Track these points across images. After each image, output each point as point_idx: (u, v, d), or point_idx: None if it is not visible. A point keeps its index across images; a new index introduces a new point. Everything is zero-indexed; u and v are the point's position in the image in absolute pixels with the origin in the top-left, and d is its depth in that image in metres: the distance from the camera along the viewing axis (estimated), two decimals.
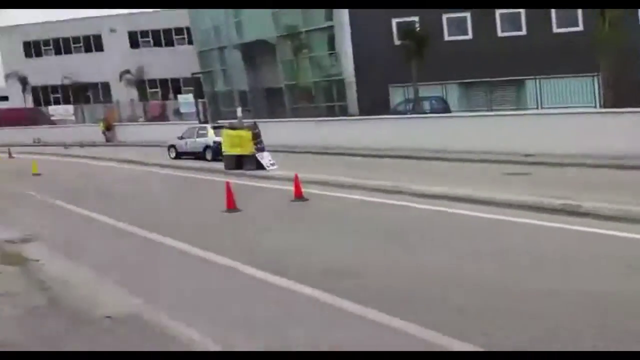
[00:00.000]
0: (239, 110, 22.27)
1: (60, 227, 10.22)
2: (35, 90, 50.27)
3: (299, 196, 11.59)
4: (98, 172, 19.96)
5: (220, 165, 17.72)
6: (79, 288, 6.21)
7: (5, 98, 55.43)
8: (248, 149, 16.97)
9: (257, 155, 16.84)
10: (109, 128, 36.47)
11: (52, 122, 41.52)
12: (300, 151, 22.10)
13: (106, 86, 48.21)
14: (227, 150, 17.61)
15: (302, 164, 16.97)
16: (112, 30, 45.98)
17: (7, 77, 50.67)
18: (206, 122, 28.05)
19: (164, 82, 46.65)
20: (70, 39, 49.36)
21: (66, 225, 10.37)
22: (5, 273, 6.81)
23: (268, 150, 17.34)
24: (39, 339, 4.73)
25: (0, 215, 11.23)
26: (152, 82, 46.58)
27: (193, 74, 36.22)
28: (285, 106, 32.11)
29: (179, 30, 44.87)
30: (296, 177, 11.87)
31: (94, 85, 48.46)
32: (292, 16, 31.25)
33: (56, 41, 49.99)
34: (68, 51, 49.72)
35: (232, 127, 18.53)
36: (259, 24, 32.77)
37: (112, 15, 47.31)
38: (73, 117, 41.69)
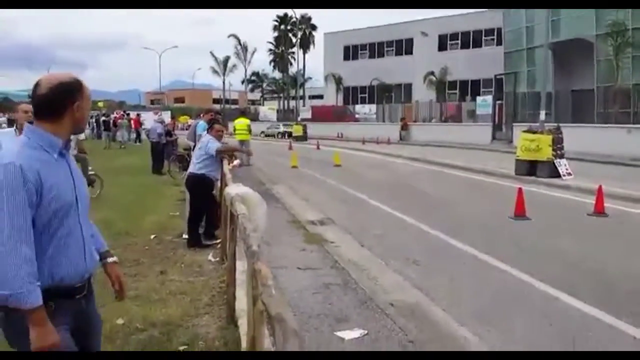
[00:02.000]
0: (542, 114, 20.51)
1: (351, 213, 10.80)
2: (346, 90, 55.56)
3: (599, 211, 10.03)
4: (390, 166, 20.69)
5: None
6: (367, 271, 6.59)
7: (321, 97, 62.77)
8: (545, 154, 15.50)
9: (555, 161, 15.29)
10: (404, 127, 37.93)
11: (356, 120, 45.02)
12: (605, 161, 19.69)
13: (408, 87, 50.37)
14: (520, 154, 16.36)
15: (606, 175, 15.01)
16: (424, 34, 47.50)
17: (326, 78, 57.18)
18: (500, 124, 26.93)
19: (463, 84, 46.53)
20: (385, 43, 52.93)
21: (357, 212, 10.92)
22: (308, 250, 7.54)
23: (567, 158, 15.62)
24: (330, 312, 5.13)
25: (304, 199, 12.40)
26: (452, 84, 46.91)
27: (496, 75, 35.10)
28: (593, 110, 28.63)
29: (489, 32, 44.15)
30: (600, 189, 10.36)
31: (398, 86, 51.12)
32: (618, 12, 27.82)
33: (372, 45, 54.20)
34: (380, 55, 53.45)
35: (531, 131, 17.13)
36: (578, 21, 30.18)
37: (425, 19, 49.16)
38: (374, 116, 44.53)
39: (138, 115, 36.41)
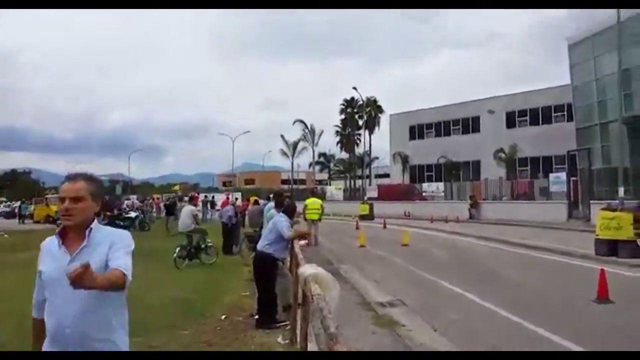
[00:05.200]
0: (620, 190, 19.67)
1: (422, 295, 10.52)
2: (412, 168, 55.64)
3: None
4: (460, 246, 20.14)
5: None
6: None
7: (387, 175, 63.09)
8: (627, 233, 14.67)
9: (638, 241, 14.43)
10: (474, 205, 37.16)
11: (423, 198, 44.56)
12: None
13: (477, 164, 49.85)
14: (599, 233, 15.57)
15: None
16: (491, 112, 47.54)
17: (393, 157, 57.66)
18: (576, 201, 25.96)
19: (534, 160, 45.57)
20: (451, 122, 53.29)
21: (427, 294, 10.63)
22: (379, 334, 7.40)
23: None
24: None
25: (372, 279, 12.24)
26: (523, 160, 46.04)
27: (569, 151, 34.22)
28: None
29: (558, 107, 43.64)
30: None
31: (466, 164, 50.70)
32: None
33: (437, 125, 54.66)
34: (447, 133, 53.67)
35: (610, 208, 16.34)
36: None
37: (491, 98, 49.46)
38: (442, 194, 43.99)
39: (236, 199, 35.60)
